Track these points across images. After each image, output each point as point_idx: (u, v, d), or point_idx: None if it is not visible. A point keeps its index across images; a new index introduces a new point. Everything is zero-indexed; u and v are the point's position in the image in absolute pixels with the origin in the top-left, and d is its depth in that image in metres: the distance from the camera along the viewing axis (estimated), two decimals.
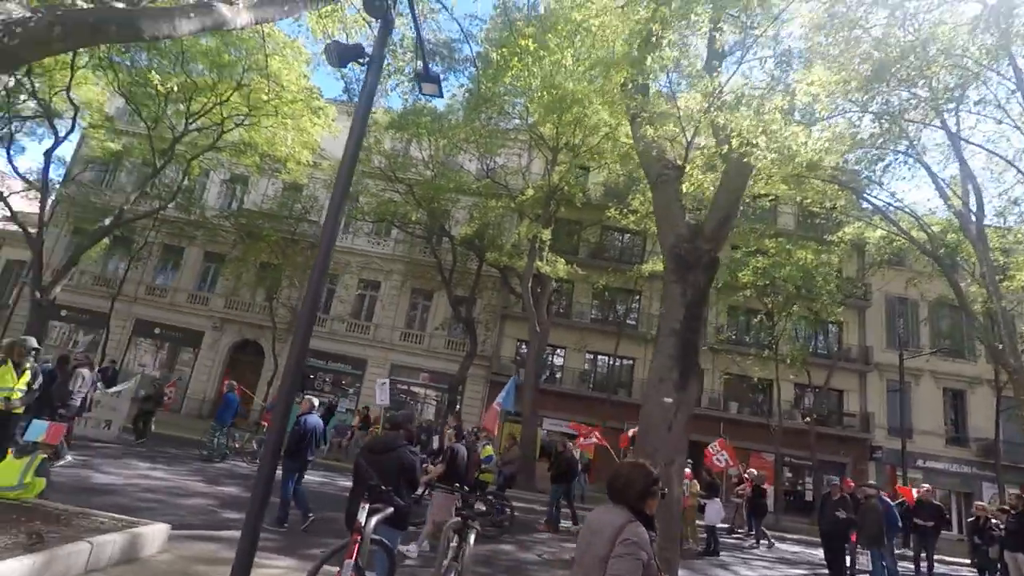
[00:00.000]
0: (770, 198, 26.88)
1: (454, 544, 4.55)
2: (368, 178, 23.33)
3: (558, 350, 27.36)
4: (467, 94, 18.14)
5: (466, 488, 4.84)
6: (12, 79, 17.88)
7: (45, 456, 6.42)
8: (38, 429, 6.56)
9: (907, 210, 21.03)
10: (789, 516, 23.57)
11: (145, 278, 26.82)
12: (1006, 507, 9.99)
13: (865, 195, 21.53)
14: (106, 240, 22.80)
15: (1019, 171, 17.10)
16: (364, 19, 15.17)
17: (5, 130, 20.28)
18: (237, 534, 4.34)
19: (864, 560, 8.78)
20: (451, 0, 12.48)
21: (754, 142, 5.33)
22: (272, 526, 7.44)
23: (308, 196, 25.92)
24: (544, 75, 13.68)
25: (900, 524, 9.77)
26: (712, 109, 5.36)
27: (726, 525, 14.30)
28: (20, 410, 7.46)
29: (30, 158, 71.83)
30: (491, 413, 9.74)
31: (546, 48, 11.20)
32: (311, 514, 8.02)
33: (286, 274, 24.38)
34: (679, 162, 5.78)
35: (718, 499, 11.60)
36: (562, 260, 20.41)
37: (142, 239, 24.40)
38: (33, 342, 7.70)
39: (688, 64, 7.17)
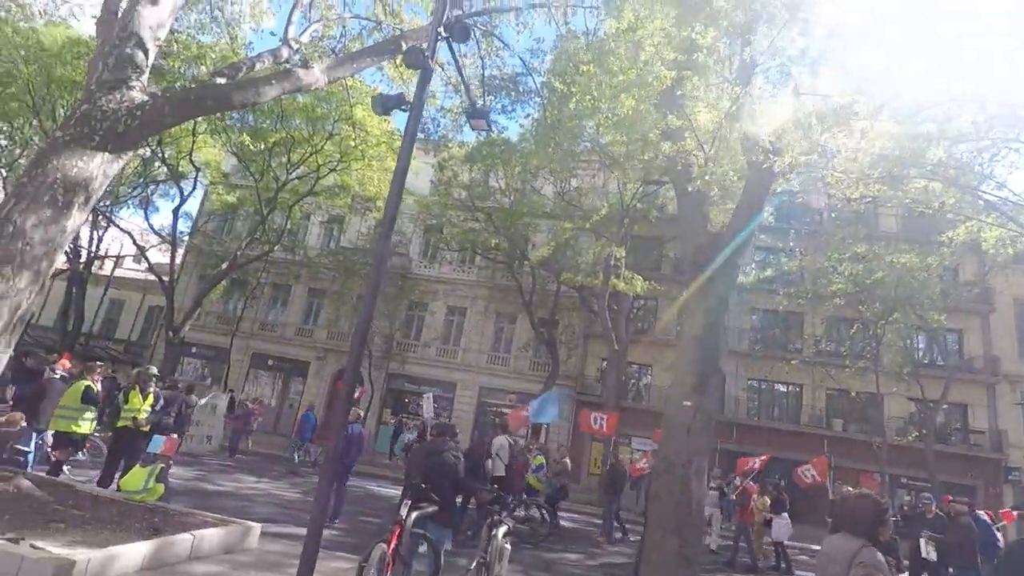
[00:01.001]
0: (866, 200, 25.47)
1: (486, 540, 4.98)
2: (450, 210, 24.67)
3: (646, 368, 27.03)
4: (535, 123, 18.87)
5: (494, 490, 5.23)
6: (147, 150, 21.03)
7: (164, 465, 7.60)
8: (157, 442, 7.78)
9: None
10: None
11: (259, 315, 29.75)
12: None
13: (979, 191, 19.79)
14: (225, 282, 25.71)
15: None
16: (437, 64, 16.44)
17: (143, 193, 23.61)
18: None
19: None
20: (514, 37, 13.29)
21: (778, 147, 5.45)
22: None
23: (396, 230, 27.71)
24: (610, 96, 14.05)
25: (999, 546, 8.86)
26: (728, 120, 5.56)
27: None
28: (147, 428, 8.82)
29: (163, 216, 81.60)
30: (518, 418, 9.99)
31: (609, 72, 11.62)
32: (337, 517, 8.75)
33: (378, 305, 26.08)
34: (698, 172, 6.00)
35: (786, 514, 11.14)
36: (639, 277, 20.36)
37: (255, 280, 27.14)
38: (154, 370, 9.10)
39: (719, 71, 7.27)
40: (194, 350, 29.89)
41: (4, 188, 22.04)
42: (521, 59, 15.71)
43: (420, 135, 22.50)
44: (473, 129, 8.98)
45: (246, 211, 27.59)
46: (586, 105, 15.42)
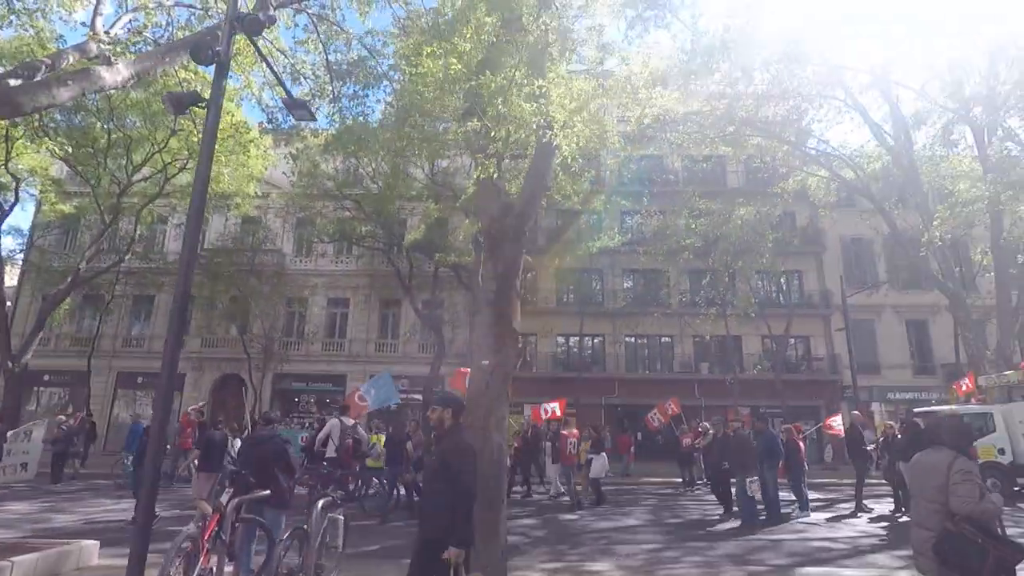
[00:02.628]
0: (712, 159, 27.89)
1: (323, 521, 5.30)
2: (318, 201, 23.99)
3: (530, 337, 28.11)
4: (387, 107, 18.80)
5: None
6: None
7: None
8: None
9: (838, 153, 21.94)
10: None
11: (120, 331, 27.51)
12: (891, 424, 10.81)
13: (803, 146, 22.37)
14: (72, 300, 23.50)
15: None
16: (279, 50, 15.89)
17: None
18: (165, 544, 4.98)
19: (755, 487, 9.50)
20: (358, 21, 13.12)
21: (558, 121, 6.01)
22: None
23: (263, 226, 26.53)
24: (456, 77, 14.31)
25: (781, 454, 10.57)
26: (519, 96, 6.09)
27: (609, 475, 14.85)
28: None
29: None
30: (355, 405, 10.26)
31: (455, 53, 11.82)
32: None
33: (253, 307, 25.01)
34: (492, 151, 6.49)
35: (603, 454, 12.62)
36: None
37: (109, 294, 25.00)
38: None
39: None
40: (47, 378, 27.16)
41: None
42: (363, 44, 15.48)
43: (269, 125, 21.63)
44: (297, 120, 8.94)
45: (89, 220, 25.26)
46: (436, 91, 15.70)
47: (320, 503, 5.09)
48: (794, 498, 11.21)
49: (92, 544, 6.81)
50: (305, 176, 22.51)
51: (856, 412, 12.42)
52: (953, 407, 14.42)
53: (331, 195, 23.39)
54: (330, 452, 7.62)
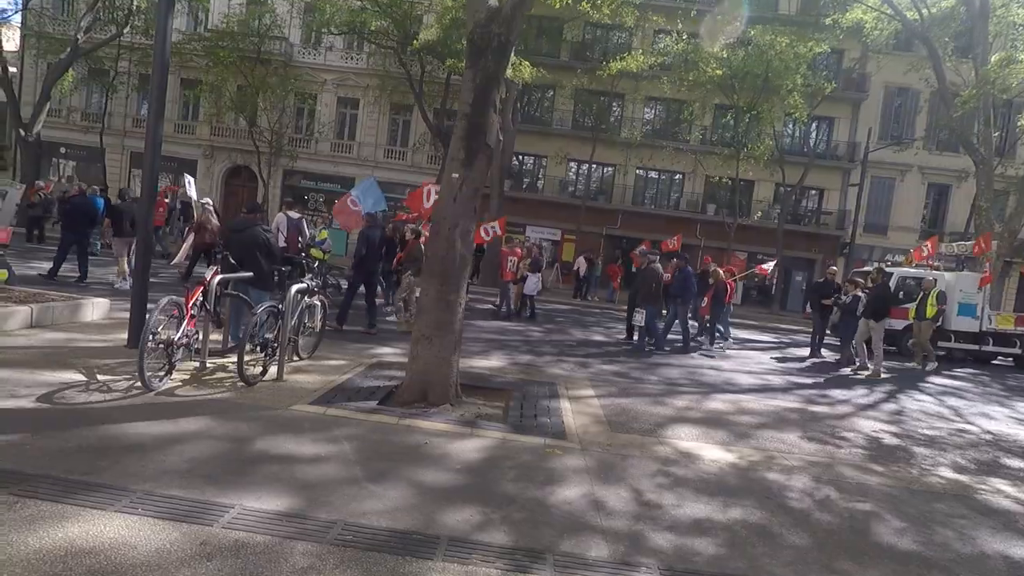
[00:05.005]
0: None
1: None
2: None
3: (541, 159, 27.69)
4: None
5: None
6: None
7: (1, 253, 7.84)
8: None
9: None
10: (752, 307, 25.50)
11: (130, 111, 27.23)
12: (859, 279, 11.07)
13: None
14: (75, 73, 22.89)
15: None
16: None
17: None
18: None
19: (639, 317, 10.28)
20: None
21: None
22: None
23: (269, 8, 24.70)
24: None
25: (694, 291, 11.18)
26: None
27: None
28: None
29: None
30: (346, 211, 10.48)
31: None
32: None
33: (261, 97, 24.33)
34: None
35: (539, 274, 13.47)
36: (527, 63, 19.81)
37: (113, 70, 24.26)
38: None
39: None
40: (64, 150, 27.66)
41: None
42: None
43: None
44: None
45: None
46: None
47: (294, 287, 5.61)
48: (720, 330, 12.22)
49: (103, 301, 7.65)
50: None
51: (833, 268, 12.78)
52: (902, 269, 14.83)
53: None
54: (281, 243, 8.19)
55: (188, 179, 12.71)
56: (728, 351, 11.64)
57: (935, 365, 11.85)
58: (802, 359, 11.86)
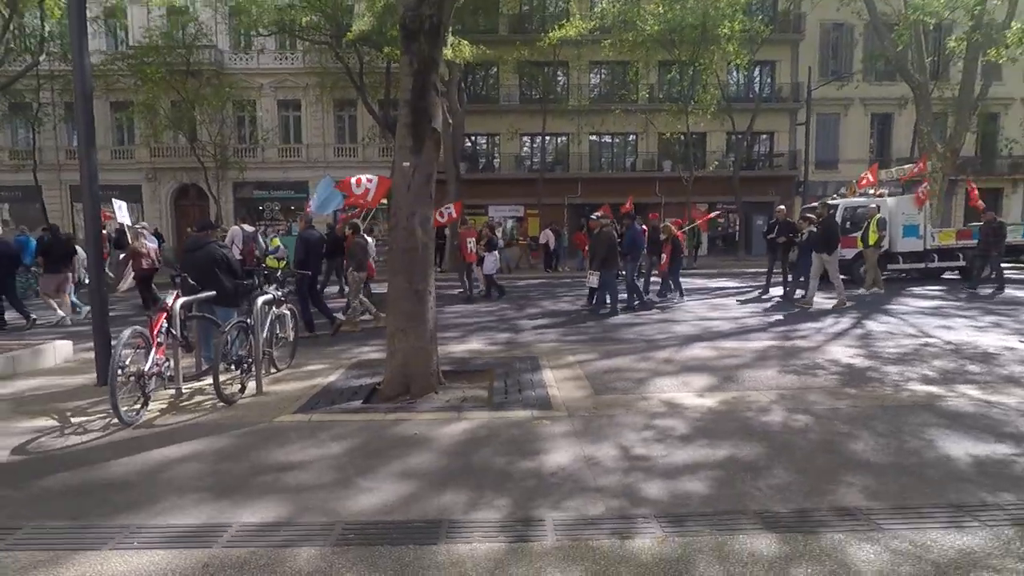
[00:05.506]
0: None
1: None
2: None
3: (494, 137, 27.50)
4: None
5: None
6: None
7: None
8: None
9: None
10: (719, 256, 26.01)
11: (61, 143, 26.10)
12: (810, 215, 11.38)
13: None
14: None
15: None
16: None
17: None
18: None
19: (593, 279, 10.40)
20: None
21: None
22: None
23: (191, 18, 23.71)
24: None
25: (642, 247, 11.43)
26: None
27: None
28: None
29: None
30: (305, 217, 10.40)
31: None
32: None
33: (197, 111, 23.52)
34: None
35: (496, 252, 13.56)
36: (466, 43, 19.54)
37: (35, 101, 23.13)
38: None
39: None
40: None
41: None
42: None
43: None
44: None
45: None
46: None
47: (260, 299, 5.53)
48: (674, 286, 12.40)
49: (66, 343, 7.41)
50: None
51: (781, 208, 13.11)
52: (846, 200, 15.29)
53: None
54: (236, 255, 8.10)
55: (117, 204, 12.25)
56: (687, 302, 11.89)
57: (880, 291, 12.23)
58: (765, 299, 12.20)
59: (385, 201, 9.15)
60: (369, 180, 9.95)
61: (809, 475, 3.37)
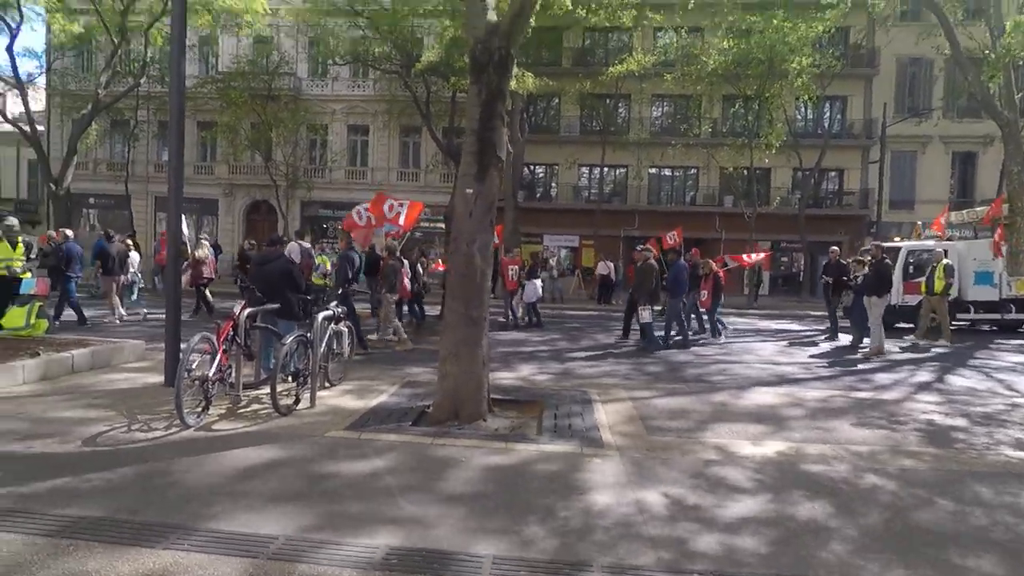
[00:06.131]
0: None
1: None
2: (330, 17, 22.47)
3: (553, 167, 27.69)
4: None
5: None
6: None
7: (40, 303, 8.10)
8: (28, 284, 8.18)
9: None
10: (781, 297, 25.04)
11: (151, 157, 28.08)
12: (861, 258, 10.78)
13: None
14: (98, 125, 23.68)
15: None
16: None
17: None
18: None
19: (646, 314, 10.04)
20: None
21: None
22: None
23: (274, 47, 25.24)
24: None
25: (686, 284, 10.89)
26: None
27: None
28: (26, 275, 8.95)
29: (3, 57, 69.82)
30: (356, 227, 10.63)
31: None
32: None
33: (274, 133, 24.85)
34: None
35: (537, 280, 13.50)
36: (530, 74, 19.90)
37: (134, 119, 25.05)
38: (12, 221, 9.03)
39: None
40: (92, 201, 28.58)
41: None
42: None
43: None
44: None
45: (101, 42, 24.45)
46: None
47: (321, 315, 5.69)
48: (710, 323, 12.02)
49: (138, 343, 7.86)
50: None
51: (834, 249, 12.53)
52: (910, 243, 14.41)
53: (342, 10, 21.83)
54: None
55: (184, 220, 13.12)
56: (749, 343, 11.46)
57: (948, 345, 11.19)
58: (820, 343, 11.66)
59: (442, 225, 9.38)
60: (400, 204, 10.27)
61: (882, 544, 3.11)
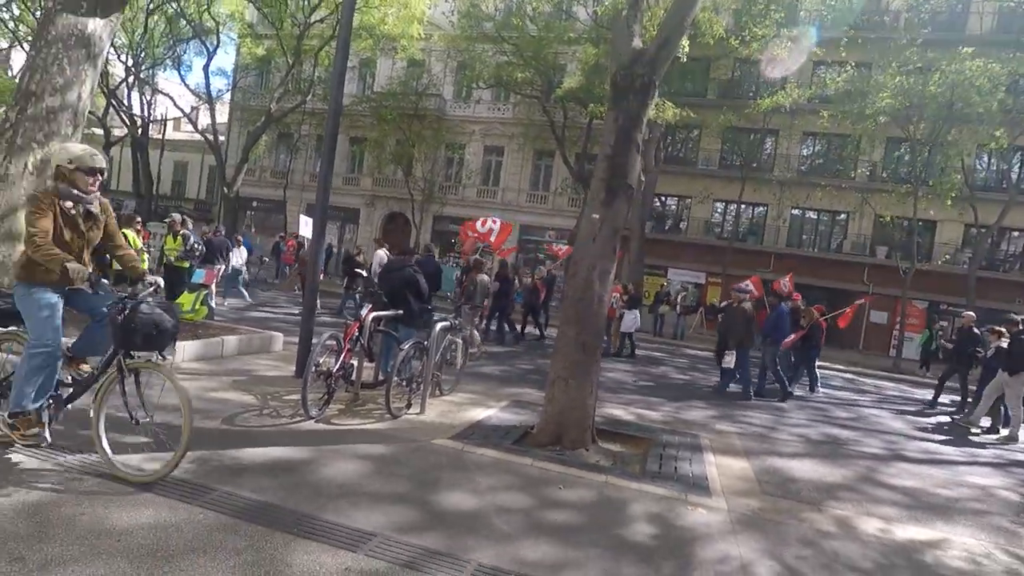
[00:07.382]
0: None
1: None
2: (478, 43, 23.75)
3: (686, 200, 26.81)
4: None
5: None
6: (171, 7, 21.06)
7: (206, 292, 9.21)
8: (199, 274, 9.34)
9: None
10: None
11: (307, 167, 31.19)
12: (1000, 328, 9.08)
13: None
14: (268, 137, 26.82)
15: None
16: None
17: (174, 53, 24.12)
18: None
19: (729, 359, 9.50)
20: None
21: None
22: None
23: (425, 70, 27.08)
24: None
25: (786, 332, 9.99)
26: None
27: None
28: (184, 264, 10.15)
29: (199, 75, 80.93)
30: (470, 238, 10.98)
31: None
32: None
33: (416, 149, 26.58)
34: None
35: (636, 310, 12.89)
36: (671, 104, 19.54)
37: (297, 132, 28.05)
38: (175, 216, 10.36)
39: None
40: (255, 204, 32.24)
41: None
42: None
43: None
44: None
45: (278, 62, 27.77)
46: None
47: (439, 325, 5.91)
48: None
49: (277, 335, 8.65)
50: (464, 17, 22.24)
51: (969, 313, 10.79)
52: None
53: (490, 37, 23.00)
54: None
55: (304, 220, 14.39)
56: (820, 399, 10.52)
57: None
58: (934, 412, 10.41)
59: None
60: (494, 222, 10.55)
61: None
